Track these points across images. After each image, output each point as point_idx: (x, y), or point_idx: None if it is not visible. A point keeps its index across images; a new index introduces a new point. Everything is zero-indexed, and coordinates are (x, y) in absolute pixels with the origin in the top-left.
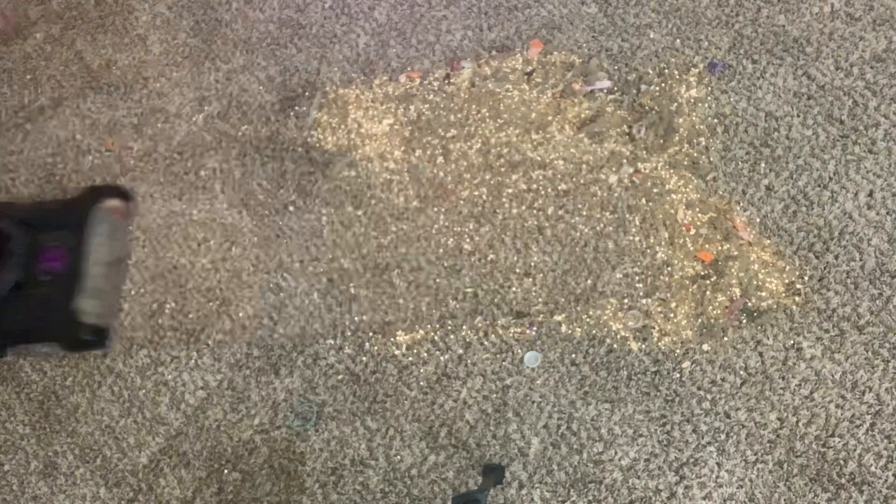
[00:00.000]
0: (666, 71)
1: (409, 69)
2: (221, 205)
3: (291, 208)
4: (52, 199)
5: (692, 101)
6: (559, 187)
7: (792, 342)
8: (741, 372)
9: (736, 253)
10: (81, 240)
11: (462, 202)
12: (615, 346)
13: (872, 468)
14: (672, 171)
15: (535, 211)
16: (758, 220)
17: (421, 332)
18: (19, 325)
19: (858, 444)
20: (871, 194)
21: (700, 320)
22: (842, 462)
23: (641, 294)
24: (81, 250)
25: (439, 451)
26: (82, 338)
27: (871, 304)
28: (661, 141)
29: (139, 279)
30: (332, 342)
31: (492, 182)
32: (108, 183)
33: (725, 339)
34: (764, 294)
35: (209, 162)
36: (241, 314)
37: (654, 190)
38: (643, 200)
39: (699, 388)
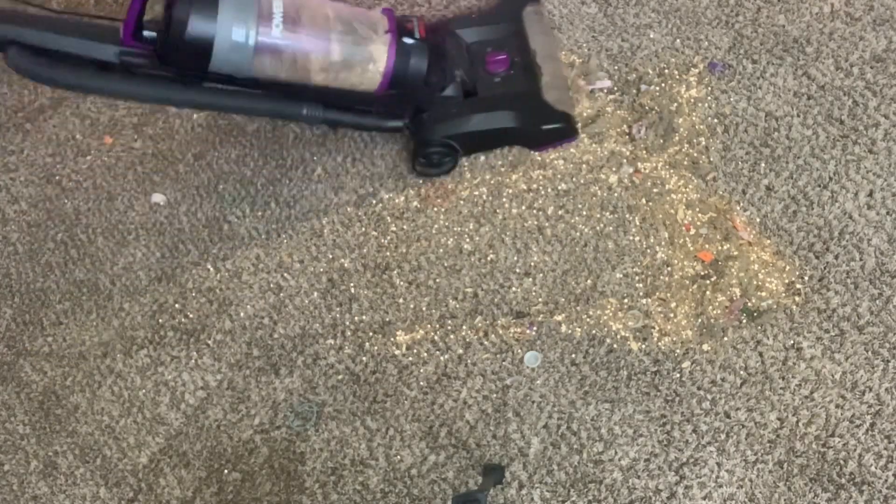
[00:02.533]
0: (666, 71)
1: None
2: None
3: (294, 205)
4: (475, 12)
5: (692, 101)
6: (559, 187)
7: (792, 342)
8: (741, 372)
9: (736, 253)
10: (523, 41)
11: (462, 202)
12: (615, 346)
13: (872, 468)
14: (672, 171)
15: (535, 211)
16: (758, 220)
17: (421, 332)
18: (481, 125)
19: (858, 444)
20: (871, 194)
21: (700, 320)
22: (842, 462)
23: (641, 294)
24: (528, 49)
25: (439, 451)
26: (561, 126)
27: (871, 304)
28: (661, 141)
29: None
30: (332, 342)
31: (492, 182)
32: None
33: (725, 339)
34: (764, 294)
35: (210, 161)
36: (241, 314)
37: (654, 190)
38: (643, 200)
39: (699, 388)
